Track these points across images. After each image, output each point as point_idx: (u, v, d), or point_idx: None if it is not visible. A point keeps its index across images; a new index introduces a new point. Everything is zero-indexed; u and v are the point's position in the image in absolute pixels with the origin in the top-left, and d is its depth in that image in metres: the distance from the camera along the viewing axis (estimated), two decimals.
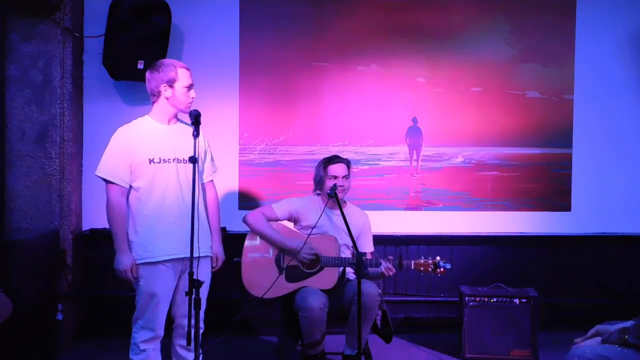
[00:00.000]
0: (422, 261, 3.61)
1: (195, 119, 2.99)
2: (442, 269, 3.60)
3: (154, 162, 3.11)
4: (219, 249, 3.37)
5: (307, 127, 4.75)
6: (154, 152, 3.11)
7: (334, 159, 3.81)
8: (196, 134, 2.96)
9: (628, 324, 2.79)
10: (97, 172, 3.14)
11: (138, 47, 4.20)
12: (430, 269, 3.59)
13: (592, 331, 2.88)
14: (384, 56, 4.75)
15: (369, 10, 4.73)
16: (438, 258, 3.62)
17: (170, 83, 3.11)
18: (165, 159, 3.13)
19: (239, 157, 4.72)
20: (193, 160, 2.91)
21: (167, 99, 3.14)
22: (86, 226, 4.59)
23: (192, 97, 3.17)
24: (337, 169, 3.76)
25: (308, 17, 4.72)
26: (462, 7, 4.78)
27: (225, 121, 4.67)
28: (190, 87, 3.16)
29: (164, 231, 3.10)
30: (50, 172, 4.32)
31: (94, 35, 4.44)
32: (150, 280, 3.10)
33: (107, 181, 3.11)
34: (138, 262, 3.09)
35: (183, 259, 3.11)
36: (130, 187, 3.13)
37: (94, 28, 4.46)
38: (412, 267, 3.60)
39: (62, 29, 4.30)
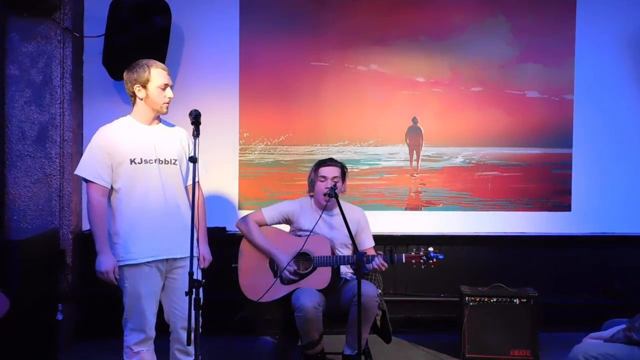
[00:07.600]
0: (413, 254, 3.62)
1: (195, 119, 2.96)
2: (434, 260, 3.60)
3: (135, 163, 3.06)
4: (205, 250, 3.28)
5: (307, 127, 4.75)
6: (135, 153, 3.06)
7: (326, 162, 3.84)
8: (196, 134, 2.94)
9: (619, 326, 2.79)
10: (77, 172, 3.08)
11: (138, 47, 4.19)
12: (422, 261, 3.60)
13: (585, 339, 2.90)
14: (384, 56, 4.75)
15: (368, 10, 4.73)
16: (430, 249, 3.61)
17: (144, 84, 3.07)
18: (147, 160, 3.08)
19: (239, 157, 4.72)
20: (193, 160, 2.89)
21: (142, 100, 3.11)
22: (86, 226, 4.58)
23: (169, 97, 3.11)
24: (326, 171, 3.78)
25: (308, 17, 4.72)
26: (462, 7, 4.78)
27: (225, 121, 4.66)
28: (165, 87, 3.09)
29: (146, 233, 3.06)
30: (50, 172, 4.33)
31: (94, 35, 4.44)
32: (134, 281, 3.07)
33: (87, 181, 3.06)
34: (120, 264, 3.04)
35: (166, 260, 3.09)
36: (112, 187, 3.08)
37: (94, 28, 4.46)
38: (404, 261, 3.60)
39: (62, 29, 4.30)
